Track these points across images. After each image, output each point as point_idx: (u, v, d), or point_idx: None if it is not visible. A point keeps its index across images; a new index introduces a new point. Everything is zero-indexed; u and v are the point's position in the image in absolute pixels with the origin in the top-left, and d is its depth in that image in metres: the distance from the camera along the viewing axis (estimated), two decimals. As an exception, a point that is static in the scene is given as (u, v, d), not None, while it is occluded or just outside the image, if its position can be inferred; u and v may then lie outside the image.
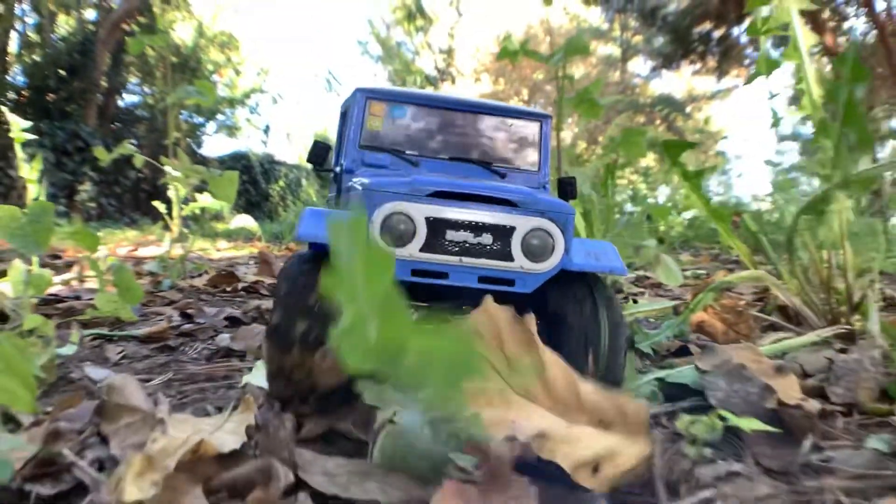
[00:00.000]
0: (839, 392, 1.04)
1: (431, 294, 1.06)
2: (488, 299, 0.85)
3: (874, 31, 11.67)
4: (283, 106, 17.92)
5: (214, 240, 6.06)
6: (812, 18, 11.15)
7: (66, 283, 2.28)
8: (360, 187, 1.00)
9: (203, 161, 13.54)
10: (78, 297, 2.02)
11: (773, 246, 1.47)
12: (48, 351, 1.10)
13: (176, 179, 3.01)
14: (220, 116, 17.72)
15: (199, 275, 2.77)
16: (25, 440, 0.76)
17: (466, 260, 0.96)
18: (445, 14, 17.69)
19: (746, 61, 13.35)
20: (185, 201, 3.26)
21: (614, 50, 20.07)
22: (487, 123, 1.33)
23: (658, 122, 19.06)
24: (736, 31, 12.71)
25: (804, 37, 1.45)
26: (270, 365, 0.91)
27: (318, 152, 1.33)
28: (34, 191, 1.86)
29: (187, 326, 1.66)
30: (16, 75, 14.72)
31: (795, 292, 1.48)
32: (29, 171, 1.84)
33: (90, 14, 15.50)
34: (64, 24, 15.41)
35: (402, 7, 16.88)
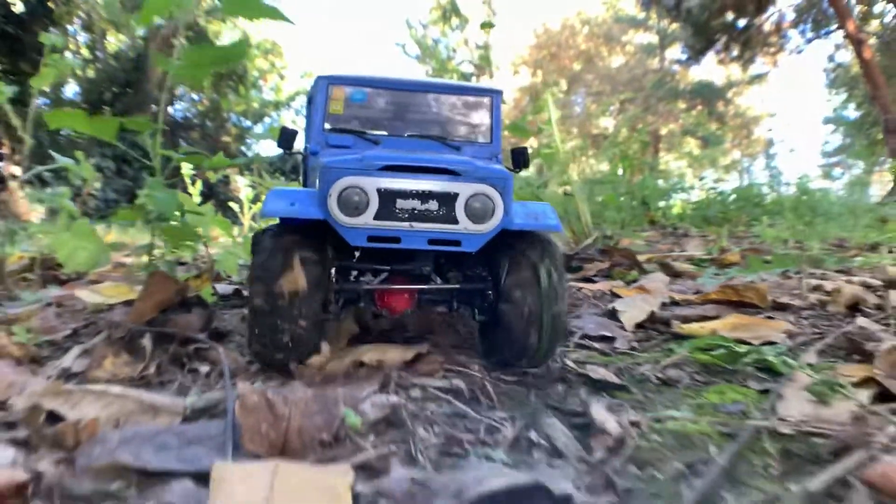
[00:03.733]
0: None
1: (387, 256, 1.23)
2: None
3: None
4: (327, 106, 19.01)
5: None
6: (836, 6, 12.21)
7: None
8: (319, 166, 1.10)
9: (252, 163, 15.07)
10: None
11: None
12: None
13: (245, 187, 4.63)
14: (266, 119, 19.42)
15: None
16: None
17: (416, 225, 1.06)
18: (481, 11, 18.89)
19: (772, 49, 14.46)
20: (254, 201, 4.85)
21: (653, 38, 21.16)
22: (442, 101, 1.43)
23: (699, 107, 20.11)
24: (757, 20, 13.72)
25: (554, 112, 2.99)
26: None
27: (287, 137, 1.43)
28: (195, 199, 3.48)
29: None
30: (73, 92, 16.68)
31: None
32: (193, 189, 3.46)
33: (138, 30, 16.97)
34: (114, 40, 17.15)
35: (437, 7, 18.17)
